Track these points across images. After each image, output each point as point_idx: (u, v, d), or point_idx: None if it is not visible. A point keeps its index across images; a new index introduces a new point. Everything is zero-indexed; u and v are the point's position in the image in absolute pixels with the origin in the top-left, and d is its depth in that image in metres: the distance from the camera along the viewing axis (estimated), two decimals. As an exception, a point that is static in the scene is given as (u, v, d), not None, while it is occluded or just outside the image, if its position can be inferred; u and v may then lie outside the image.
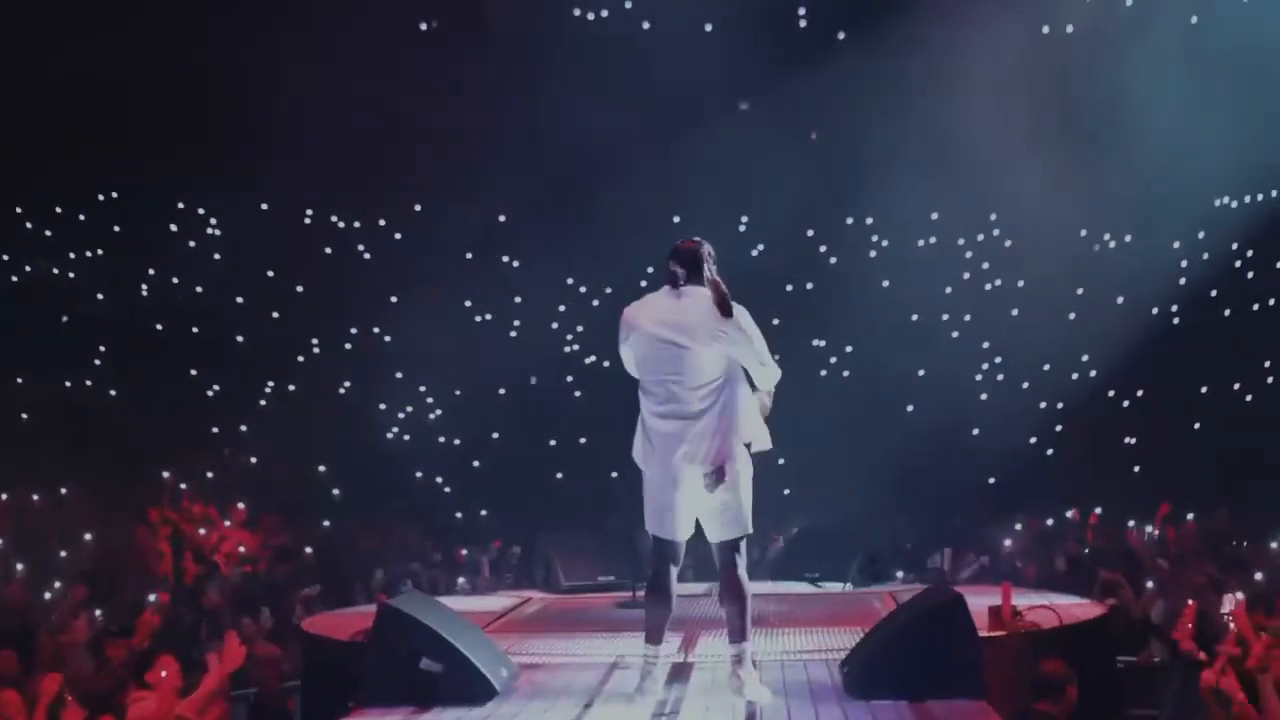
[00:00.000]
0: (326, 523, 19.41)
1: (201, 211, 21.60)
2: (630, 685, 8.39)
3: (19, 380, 20.58)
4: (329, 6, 19.26)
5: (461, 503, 20.76)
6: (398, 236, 21.68)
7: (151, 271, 21.59)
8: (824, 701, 8.03)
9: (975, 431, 20.25)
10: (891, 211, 20.74)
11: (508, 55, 20.26)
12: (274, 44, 19.24)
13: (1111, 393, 20.60)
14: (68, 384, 20.97)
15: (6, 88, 19.34)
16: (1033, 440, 20.32)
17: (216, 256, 21.64)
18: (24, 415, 20.31)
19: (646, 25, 20.28)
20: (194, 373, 21.24)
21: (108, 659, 11.47)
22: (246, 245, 21.51)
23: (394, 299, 21.38)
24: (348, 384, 21.45)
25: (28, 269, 21.39)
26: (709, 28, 20.11)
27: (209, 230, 21.70)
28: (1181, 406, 20.38)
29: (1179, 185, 19.14)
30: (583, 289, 21.51)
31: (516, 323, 21.61)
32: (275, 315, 21.46)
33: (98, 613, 14.09)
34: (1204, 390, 20.62)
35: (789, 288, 20.97)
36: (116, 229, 21.40)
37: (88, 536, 17.31)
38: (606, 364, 20.45)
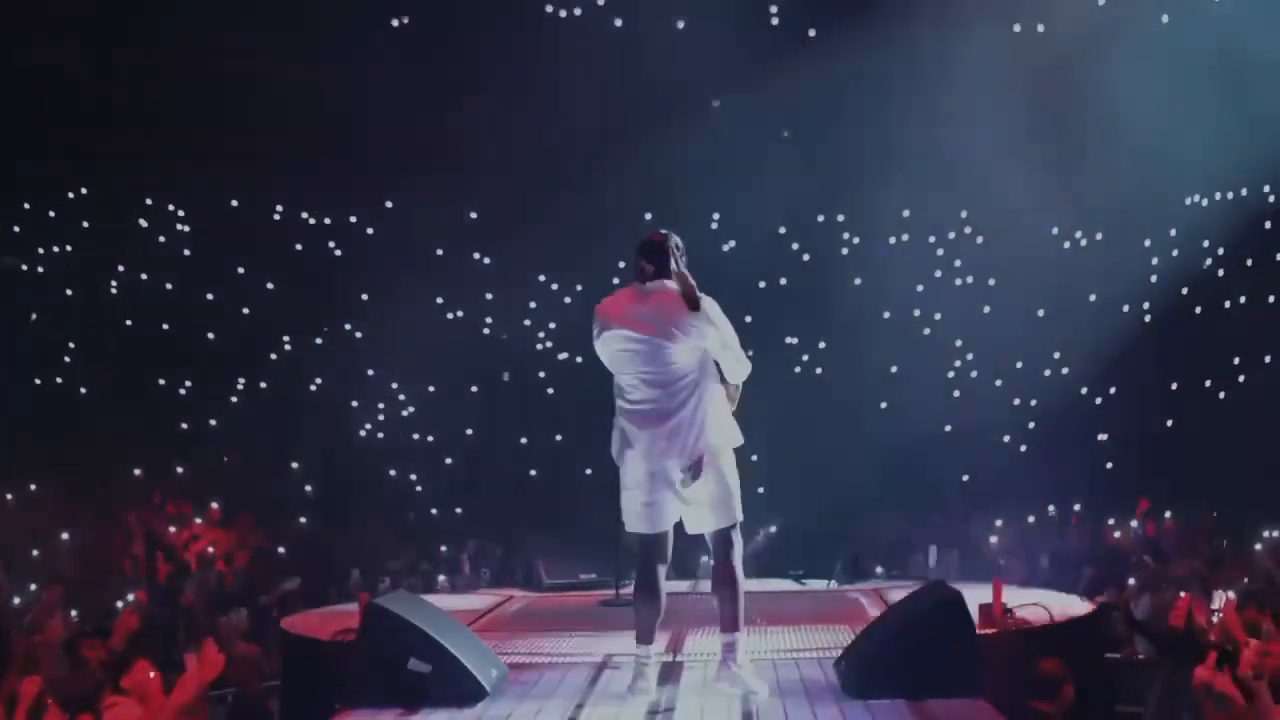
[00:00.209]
0: (303, 519, 19.30)
1: (170, 208, 21.41)
2: (621, 685, 8.36)
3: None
4: (300, 3, 19.16)
5: (435, 500, 20.65)
6: (369, 232, 21.55)
7: (121, 268, 21.41)
8: (820, 701, 7.99)
9: (948, 428, 20.25)
10: (863, 209, 20.76)
11: (480, 53, 20.16)
12: (244, 40, 19.25)
13: (1084, 390, 20.65)
14: (37, 381, 20.79)
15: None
16: (1006, 438, 20.36)
17: (186, 253, 21.46)
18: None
19: (619, 23, 20.26)
20: (164, 370, 21.10)
21: (84, 660, 11.32)
22: (216, 242, 21.31)
23: (365, 296, 21.32)
24: (319, 381, 21.34)
25: (-5, 266, 21.23)
26: (681, 25, 20.08)
27: (178, 227, 21.51)
28: (1153, 404, 20.45)
29: (1150, 183, 19.26)
30: (554, 286, 21.44)
31: (489, 319, 21.52)
32: (245, 312, 21.30)
33: (73, 613, 13.97)
34: (1175, 387, 20.71)
35: (761, 284, 20.94)
36: (85, 225, 21.24)
37: (65, 536, 17.15)
38: (579, 360, 20.53)
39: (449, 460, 21.02)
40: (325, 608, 13.37)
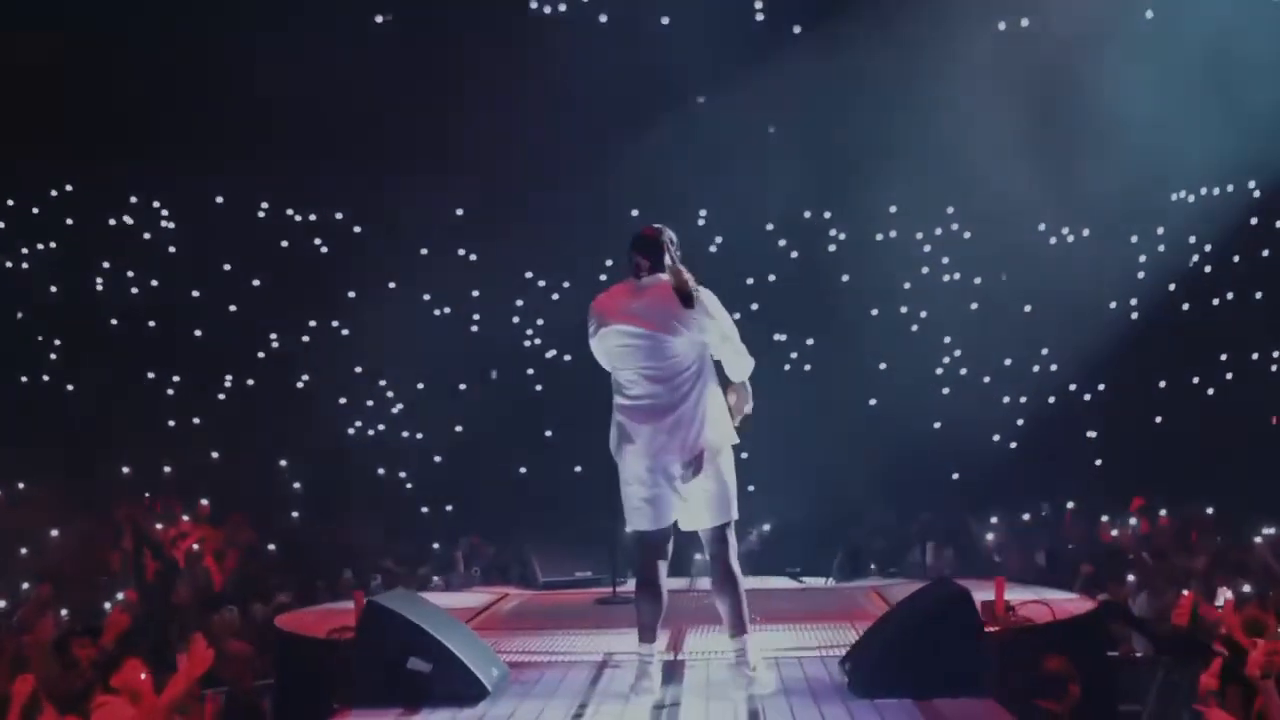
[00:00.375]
0: (295, 514, 19.23)
1: (155, 205, 21.32)
2: (624, 684, 8.33)
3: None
4: (285, -1, 19.16)
5: (426, 498, 20.59)
6: (356, 230, 21.48)
7: (106, 265, 21.31)
8: (826, 700, 7.96)
9: (937, 425, 20.26)
10: (849, 205, 20.76)
11: (465, 49, 20.11)
12: (229, 36, 19.18)
13: (1073, 386, 20.67)
14: (23, 379, 20.71)
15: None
16: (996, 436, 20.36)
17: (171, 250, 21.37)
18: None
19: (604, 19, 20.22)
20: (151, 367, 21.02)
21: (75, 659, 11.26)
22: (202, 239, 21.25)
23: (351, 293, 21.25)
24: (306, 378, 21.27)
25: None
26: (666, 21, 20.03)
27: (163, 224, 21.43)
28: (1141, 401, 20.47)
29: (1137, 179, 19.27)
30: (541, 283, 21.40)
31: (476, 316, 21.46)
32: (232, 309, 21.24)
33: (63, 612, 13.90)
34: (1163, 385, 20.73)
35: (749, 281, 20.90)
36: (69, 222, 21.14)
37: (54, 533, 17.07)
38: (568, 358, 20.58)
39: (438, 458, 20.94)
40: (320, 605, 13.32)
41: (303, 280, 21.33)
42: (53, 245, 21.21)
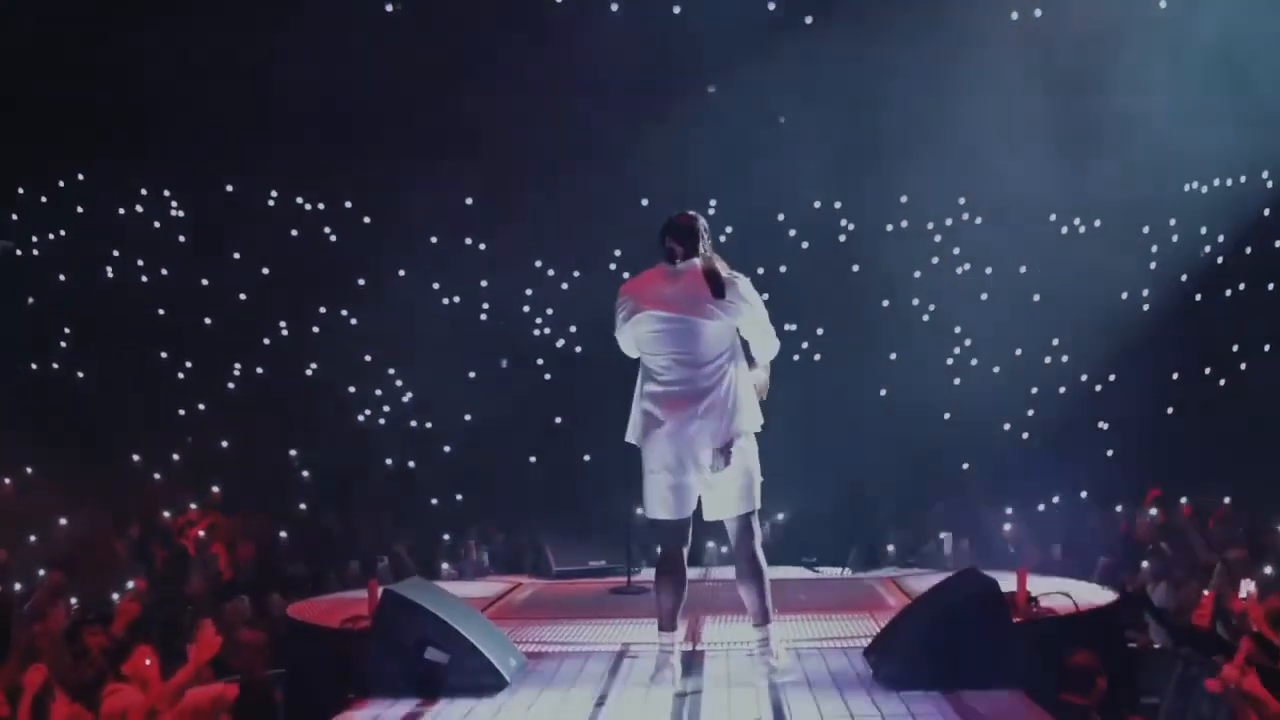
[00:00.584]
0: (303, 505, 19.20)
1: (166, 193, 21.29)
2: (644, 674, 8.29)
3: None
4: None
5: (435, 486, 20.53)
6: (365, 220, 21.43)
7: (116, 253, 21.27)
8: (852, 692, 7.90)
9: (947, 416, 20.20)
10: (860, 195, 20.70)
11: (476, 37, 20.06)
12: (238, 26, 19.13)
13: (1084, 377, 20.59)
14: (33, 366, 20.68)
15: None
16: (1006, 426, 20.30)
17: (181, 239, 21.33)
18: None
19: (615, 7, 20.14)
20: (161, 355, 20.96)
21: (86, 648, 11.24)
22: (211, 227, 21.24)
23: (361, 281, 21.19)
24: (315, 366, 21.19)
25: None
26: (677, 10, 19.98)
27: (173, 212, 21.39)
28: (1153, 391, 20.40)
29: (1149, 170, 19.25)
30: (551, 272, 21.34)
31: (485, 305, 21.41)
32: (242, 297, 21.20)
33: (73, 600, 13.85)
34: (1175, 376, 20.66)
35: (760, 271, 20.74)
36: (80, 210, 21.12)
37: (63, 521, 17.02)
38: (578, 349, 20.55)
39: (447, 448, 20.88)
40: (333, 594, 13.29)
41: (312, 269, 21.26)
42: (63, 233, 21.20)
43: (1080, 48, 19.11)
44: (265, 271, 21.42)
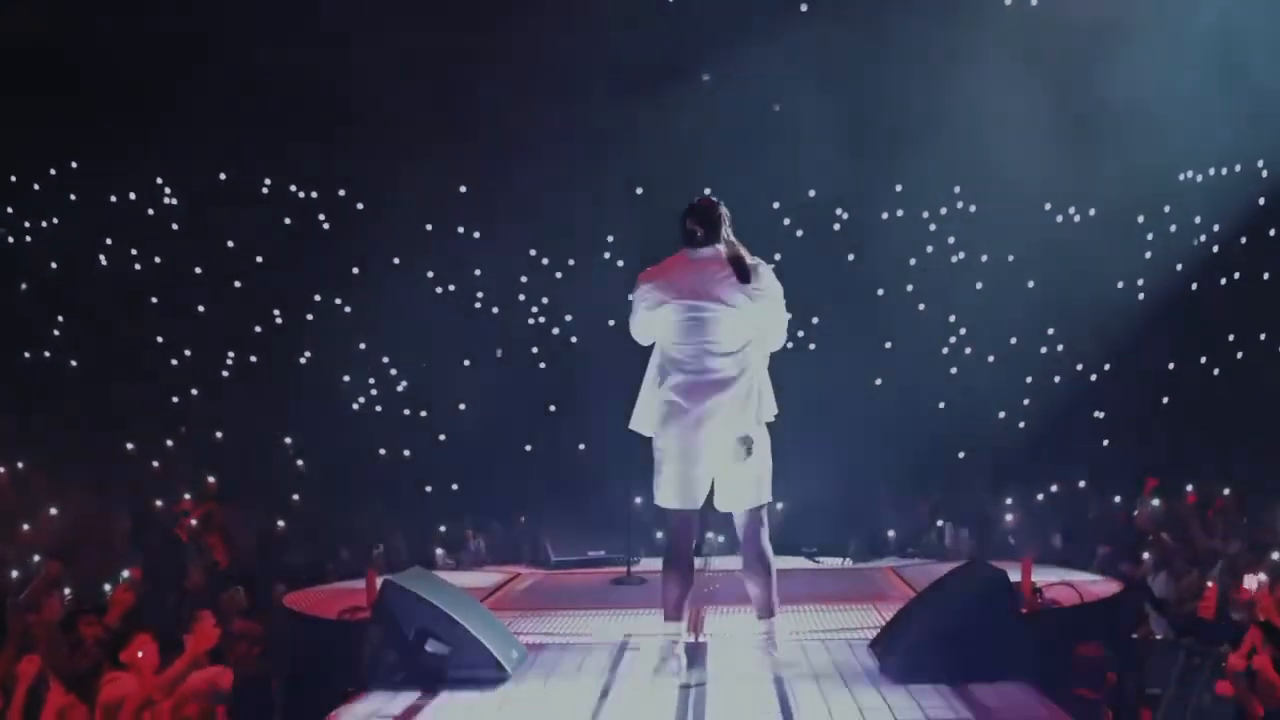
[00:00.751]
0: (295, 496, 19.14)
1: (159, 181, 21.26)
2: (646, 666, 8.23)
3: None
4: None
5: (428, 476, 20.48)
6: (359, 207, 21.36)
7: (109, 241, 21.24)
8: (859, 685, 7.80)
9: (942, 404, 20.17)
10: (855, 184, 20.62)
11: (471, 25, 19.99)
12: (232, 11, 19.06)
13: (1079, 366, 20.59)
14: (26, 354, 20.60)
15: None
16: (1002, 414, 20.28)
17: (174, 226, 21.30)
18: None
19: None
20: (154, 342, 20.95)
21: (81, 638, 11.17)
22: (205, 215, 21.21)
23: (355, 270, 21.16)
24: (309, 354, 21.13)
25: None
26: (672, -2, 20.00)
27: (166, 200, 21.34)
28: (1148, 381, 20.40)
29: (1144, 159, 19.18)
30: (545, 260, 21.28)
31: (480, 294, 21.36)
32: (236, 285, 21.15)
33: (67, 590, 13.78)
34: (1171, 365, 20.65)
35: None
36: (72, 198, 21.08)
37: (54, 511, 16.95)
38: (574, 339, 20.51)
39: (442, 436, 20.82)
40: (328, 585, 13.24)
41: (305, 257, 21.23)
42: (55, 221, 21.13)
43: (1077, 36, 19.08)
44: (259, 259, 21.35)
